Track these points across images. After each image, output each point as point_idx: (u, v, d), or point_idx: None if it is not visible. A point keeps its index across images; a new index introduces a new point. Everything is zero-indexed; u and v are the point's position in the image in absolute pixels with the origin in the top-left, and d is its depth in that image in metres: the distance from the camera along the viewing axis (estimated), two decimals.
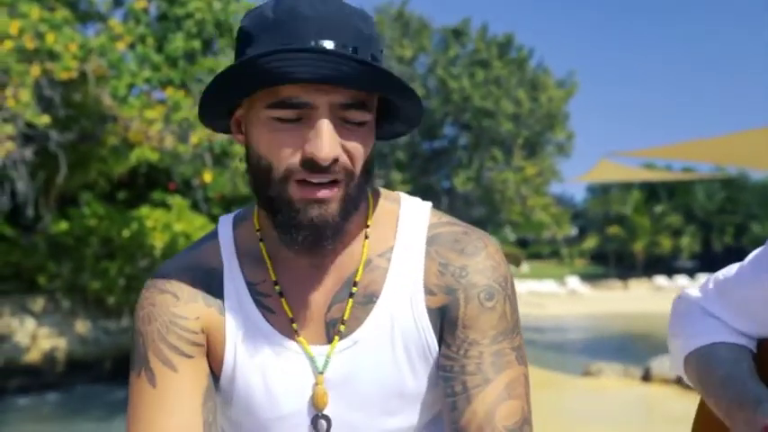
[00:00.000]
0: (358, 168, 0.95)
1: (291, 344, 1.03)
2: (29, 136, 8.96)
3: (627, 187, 46.14)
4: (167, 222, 12.69)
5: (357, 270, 1.03)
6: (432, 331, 1.02)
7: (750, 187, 48.17)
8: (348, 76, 0.88)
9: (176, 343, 1.00)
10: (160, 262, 12.98)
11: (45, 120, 8.56)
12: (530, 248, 52.48)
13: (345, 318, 1.02)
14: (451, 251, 1.03)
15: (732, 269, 1.20)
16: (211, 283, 1.05)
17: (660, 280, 36.16)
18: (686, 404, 8.42)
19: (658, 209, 48.06)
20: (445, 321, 1.02)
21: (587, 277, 39.47)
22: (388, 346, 1.02)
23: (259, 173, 0.95)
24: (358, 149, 0.94)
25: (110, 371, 13.41)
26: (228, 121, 1.03)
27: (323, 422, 1.02)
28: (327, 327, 1.03)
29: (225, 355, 1.03)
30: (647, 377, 9.86)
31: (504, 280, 1.03)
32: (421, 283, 1.02)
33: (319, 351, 1.02)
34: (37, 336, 12.99)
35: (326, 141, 0.90)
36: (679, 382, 9.50)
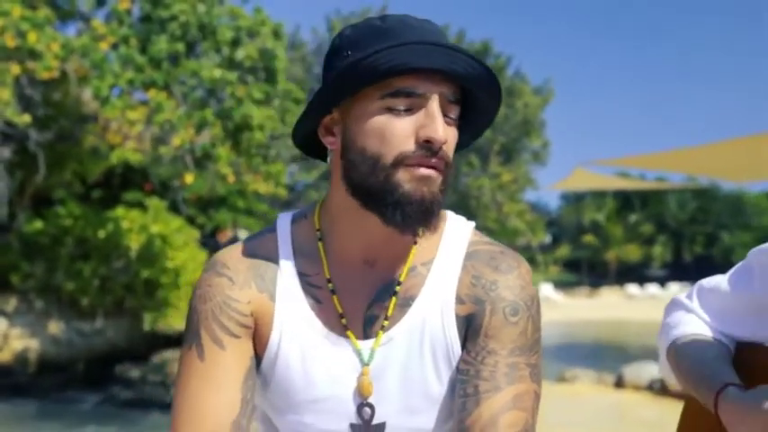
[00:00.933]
0: (451, 160, 1.05)
1: (334, 335, 1.11)
2: (8, 135, 8.88)
3: (601, 196, 46.65)
4: (143, 224, 12.61)
5: (402, 272, 1.12)
6: (457, 337, 1.10)
7: (721, 198, 48.96)
8: (460, 68, 0.99)
9: (227, 323, 1.09)
10: (136, 263, 12.94)
11: (26, 119, 8.49)
12: None
13: (389, 315, 1.11)
14: (486, 266, 1.13)
15: (714, 279, 1.30)
16: (266, 272, 1.13)
17: (632, 288, 36.61)
18: (658, 411, 8.59)
19: (632, 218, 48.65)
20: (470, 329, 1.10)
21: (561, 285, 39.80)
22: (417, 347, 1.10)
23: (365, 164, 1.03)
24: (453, 142, 1.05)
25: (82, 373, 13.27)
26: (314, 128, 1.11)
27: (367, 409, 1.11)
28: (365, 323, 1.12)
29: (270, 339, 1.11)
30: (619, 384, 10.02)
31: (531, 300, 1.11)
32: (454, 292, 1.11)
33: (363, 344, 1.11)
34: (9, 336, 12.82)
35: (441, 124, 1.00)
36: (651, 388, 9.68)
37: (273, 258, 1.14)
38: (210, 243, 18.80)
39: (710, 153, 10.15)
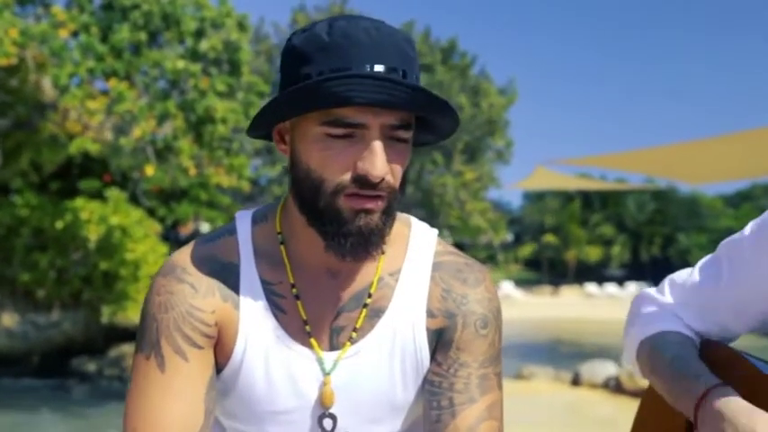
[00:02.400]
0: (398, 184, 1.03)
1: (298, 345, 1.09)
2: None
3: (563, 196, 47.22)
4: (103, 215, 12.38)
5: (372, 283, 1.11)
6: (427, 350, 1.11)
7: (678, 200, 49.89)
8: (401, 101, 0.96)
9: (190, 334, 1.05)
10: (94, 255, 12.74)
11: None
12: (467, 253, 52.72)
13: (358, 326, 1.09)
14: (455, 279, 1.13)
15: (683, 274, 1.31)
16: (228, 278, 1.09)
17: (590, 287, 37.18)
18: (613, 408, 8.75)
19: (593, 218, 49.32)
20: (440, 342, 1.11)
21: (521, 283, 40.22)
22: (386, 359, 1.10)
23: (308, 185, 1.02)
24: (400, 167, 1.03)
25: (37, 366, 13.03)
26: (270, 131, 1.10)
27: (329, 420, 1.10)
28: (332, 333, 1.10)
29: (234, 349, 1.08)
30: (576, 381, 10.18)
31: (497, 311, 1.14)
32: (424, 305, 1.11)
33: (328, 355, 1.09)
34: None
35: (380, 160, 0.98)
36: (606, 386, 9.84)
37: (235, 263, 1.10)
38: (171, 236, 18.59)
39: (668, 154, 10.34)
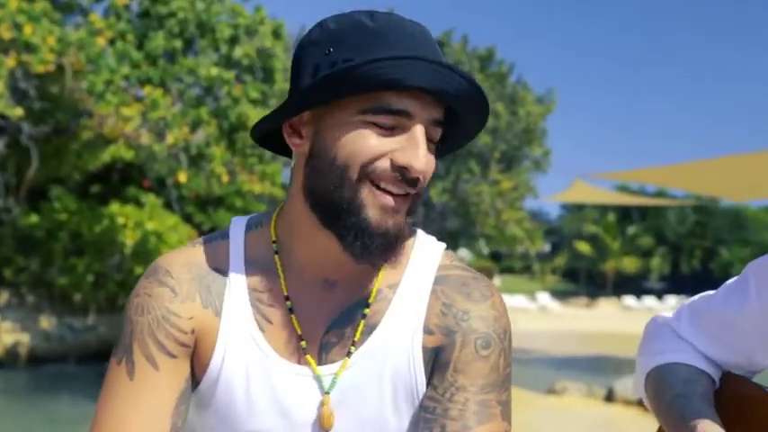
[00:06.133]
0: (423, 190, 0.96)
1: (287, 360, 1.00)
2: (1, 127, 8.82)
3: (602, 207, 46.64)
4: (139, 220, 12.54)
5: (371, 293, 1.02)
6: (423, 371, 1.00)
7: (720, 212, 48.93)
8: (455, 91, 0.91)
9: (164, 340, 0.98)
10: (130, 260, 12.90)
11: (18, 112, 8.43)
12: (503, 262, 52.68)
13: (356, 339, 1.00)
14: (458, 293, 1.03)
15: (706, 296, 1.21)
16: (212, 284, 1.02)
17: (629, 300, 36.59)
18: (647, 426, 8.48)
19: (630, 230, 48.60)
20: (437, 362, 1.00)
21: (558, 294, 39.76)
22: (375, 378, 1.00)
23: (331, 176, 0.93)
24: (431, 171, 0.95)
25: (73, 369, 13.21)
26: (279, 125, 1.01)
27: None
28: (322, 347, 1.01)
29: (212, 360, 1.00)
30: (610, 397, 9.94)
31: (504, 332, 1.02)
32: (422, 320, 1.01)
33: (323, 370, 1.00)
34: None
35: (424, 154, 0.92)
36: (641, 403, 9.61)
37: (223, 269, 1.02)
38: None
39: (711, 169, 10.07)
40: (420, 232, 1.10)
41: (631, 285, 46.43)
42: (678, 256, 49.42)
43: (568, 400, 9.80)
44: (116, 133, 9.96)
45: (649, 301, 36.20)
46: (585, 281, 48.29)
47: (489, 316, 1.01)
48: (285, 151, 1.06)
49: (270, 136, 1.05)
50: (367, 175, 0.92)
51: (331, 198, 0.93)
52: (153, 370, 0.96)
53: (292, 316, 1.00)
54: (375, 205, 0.92)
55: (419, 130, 0.91)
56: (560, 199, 19.22)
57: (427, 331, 1.01)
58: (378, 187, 0.92)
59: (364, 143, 0.91)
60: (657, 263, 48.84)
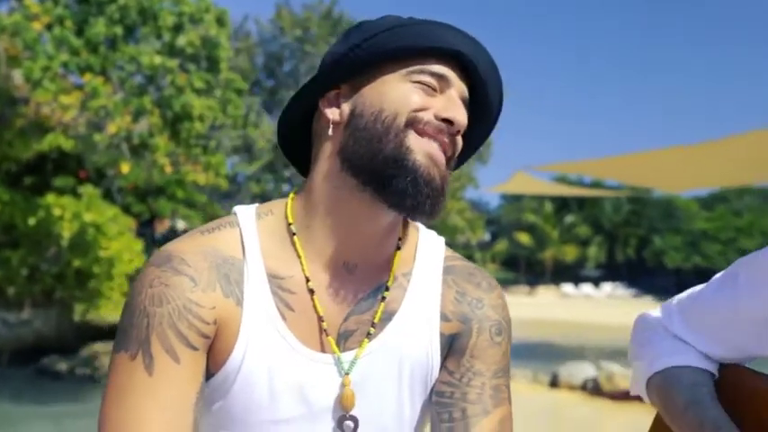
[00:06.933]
0: (456, 156, 1.02)
1: (309, 345, 1.01)
2: None
3: (540, 197, 47.52)
4: (76, 211, 12.19)
5: (389, 279, 1.05)
6: (438, 357, 1.05)
7: (653, 203, 50.42)
8: (483, 63, 1.00)
9: (186, 332, 0.94)
10: (67, 252, 12.56)
11: None
12: None
13: (376, 321, 1.02)
14: (468, 283, 1.09)
15: (693, 294, 1.22)
16: (230, 272, 0.99)
17: (567, 287, 37.49)
18: (592, 410, 8.76)
19: (568, 219, 49.69)
20: (452, 349, 1.05)
21: (499, 282, 40.32)
22: (395, 364, 1.03)
23: (377, 125, 0.97)
24: (460, 144, 1.02)
25: (7, 364, 12.83)
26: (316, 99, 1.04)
27: (350, 423, 1.00)
28: (347, 331, 1.02)
29: (234, 351, 0.97)
30: (554, 383, 10.19)
31: (509, 321, 1.10)
32: (438, 309, 1.05)
33: (344, 354, 1.01)
34: None
35: (463, 113, 0.99)
36: (584, 388, 9.86)
37: (238, 257, 1.00)
38: (147, 233, 18.39)
39: (644, 161, 10.36)
40: (421, 225, 1.14)
41: (569, 273, 47.57)
42: (614, 245, 50.75)
43: (514, 387, 9.85)
44: (53, 122, 9.65)
45: (587, 288, 37.17)
46: (525, 269, 49.21)
47: (498, 305, 1.08)
48: (299, 163, 1.12)
49: (292, 143, 1.10)
50: (413, 123, 0.96)
51: (378, 148, 0.96)
52: (174, 363, 0.93)
53: (314, 297, 1.00)
54: (421, 151, 0.96)
55: (457, 93, 0.99)
56: (501, 190, 19.51)
57: (444, 318, 1.05)
58: (421, 132, 0.96)
59: (411, 96, 0.96)
60: (594, 251, 50.06)
